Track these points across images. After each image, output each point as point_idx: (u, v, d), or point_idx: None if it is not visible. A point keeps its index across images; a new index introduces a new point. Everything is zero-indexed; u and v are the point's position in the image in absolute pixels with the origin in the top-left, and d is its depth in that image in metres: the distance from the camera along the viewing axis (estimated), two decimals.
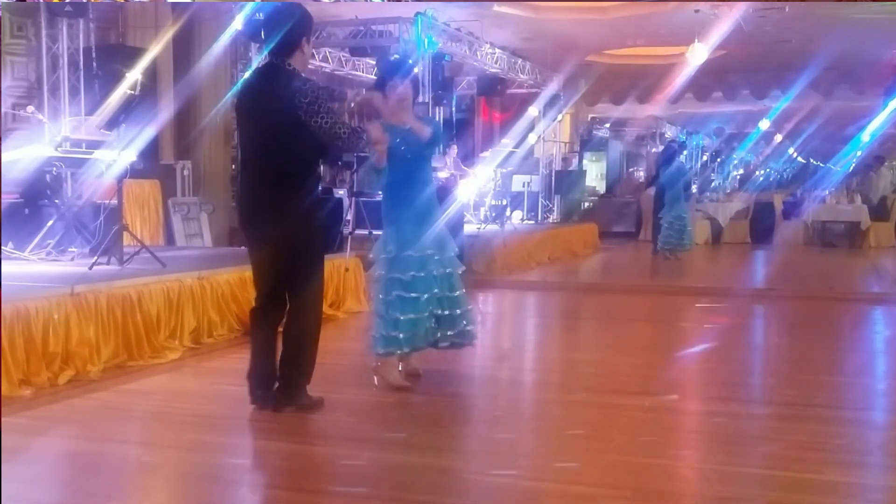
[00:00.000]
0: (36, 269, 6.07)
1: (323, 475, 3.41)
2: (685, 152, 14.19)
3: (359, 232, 9.31)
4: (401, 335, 4.55)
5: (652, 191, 14.29)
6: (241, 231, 4.28)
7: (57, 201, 6.92)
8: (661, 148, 17.60)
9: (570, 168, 17.93)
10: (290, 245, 3.99)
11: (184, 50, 9.88)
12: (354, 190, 9.56)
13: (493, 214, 13.50)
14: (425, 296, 4.58)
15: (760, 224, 16.28)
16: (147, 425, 4.20)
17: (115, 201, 6.63)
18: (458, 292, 4.79)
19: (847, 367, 5.74)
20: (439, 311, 4.66)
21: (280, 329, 4.19)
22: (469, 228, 11.08)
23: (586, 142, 20.35)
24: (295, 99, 3.84)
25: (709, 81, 17.02)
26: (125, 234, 6.42)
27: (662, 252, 12.29)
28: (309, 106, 3.85)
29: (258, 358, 4.19)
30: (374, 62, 12.45)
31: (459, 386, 4.99)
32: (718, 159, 24.51)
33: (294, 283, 4.06)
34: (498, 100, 16.65)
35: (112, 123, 6.80)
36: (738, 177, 26.07)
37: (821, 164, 26.31)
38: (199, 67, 9.63)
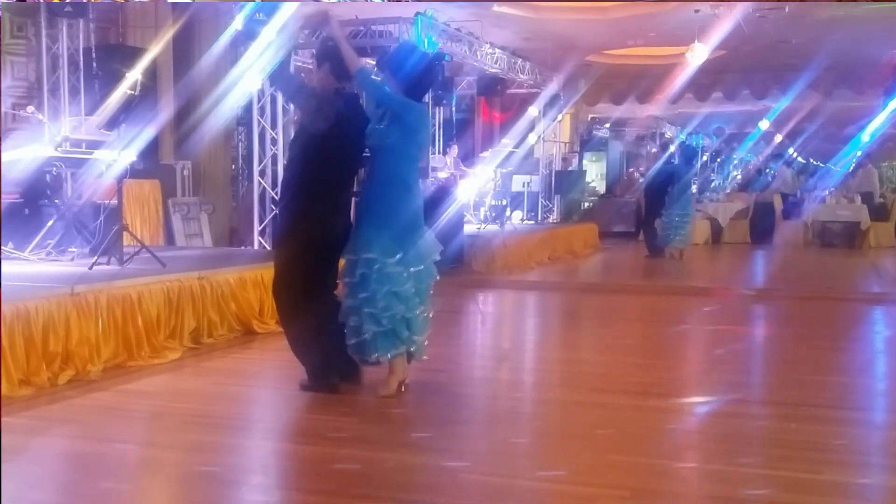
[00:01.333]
0: (36, 269, 6.07)
1: (322, 475, 3.41)
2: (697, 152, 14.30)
3: None
4: None
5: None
6: (333, 241, 4.46)
7: (57, 201, 6.91)
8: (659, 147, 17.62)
9: (570, 168, 17.92)
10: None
11: (184, 50, 9.88)
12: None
13: (493, 214, 13.50)
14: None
15: (760, 224, 16.28)
16: (147, 425, 4.20)
17: (115, 201, 6.62)
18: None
19: (847, 367, 5.74)
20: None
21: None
22: (469, 228, 11.08)
23: (586, 142, 20.35)
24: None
25: (709, 81, 17.02)
26: (125, 234, 6.42)
27: (669, 250, 12.38)
28: None
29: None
30: (373, 62, 12.45)
31: (459, 386, 4.99)
32: (718, 159, 24.50)
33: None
34: (498, 100, 16.63)
35: (112, 123, 6.79)
36: (739, 177, 26.05)
37: (821, 164, 26.31)
38: (199, 67, 9.63)
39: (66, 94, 8.56)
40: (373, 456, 3.61)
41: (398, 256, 4.36)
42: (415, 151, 4.52)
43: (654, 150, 15.37)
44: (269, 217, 9.41)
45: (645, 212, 13.49)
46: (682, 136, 20.04)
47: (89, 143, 7.20)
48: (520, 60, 14.71)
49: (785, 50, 14.52)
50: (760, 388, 5.18)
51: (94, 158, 6.75)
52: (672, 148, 13.53)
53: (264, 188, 9.44)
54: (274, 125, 9.46)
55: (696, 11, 11.93)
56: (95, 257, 6.08)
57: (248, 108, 9.89)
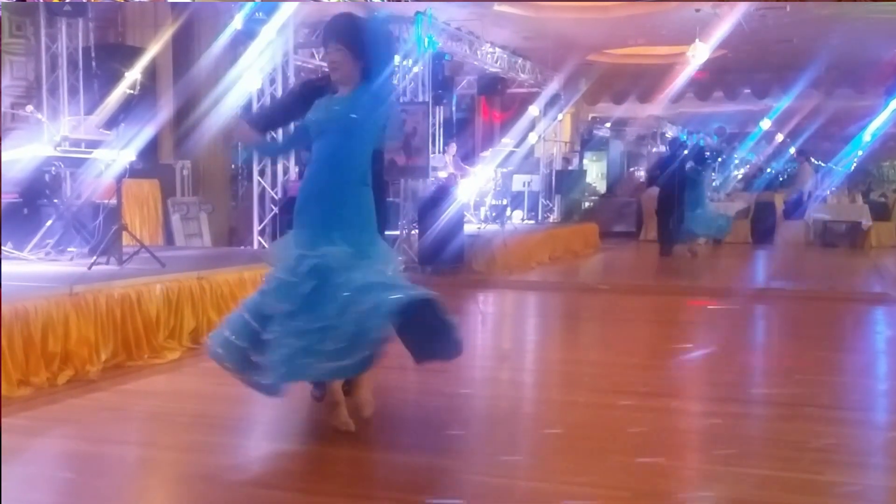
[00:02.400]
0: (35, 268, 6.06)
1: (322, 475, 3.40)
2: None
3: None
4: None
5: (654, 190, 14.35)
6: None
7: (56, 201, 6.91)
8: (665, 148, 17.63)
9: (571, 168, 17.91)
10: None
11: (183, 49, 9.86)
12: None
13: (494, 214, 13.50)
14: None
15: (761, 224, 16.28)
16: (146, 425, 4.19)
17: (114, 201, 6.62)
18: None
19: (847, 367, 5.73)
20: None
21: None
22: (469, 228, 11.08)
23: (587, 141, 20.34)
24: None
25: (710, 81, 17.01)
26: (124, 233, 6.41)
27: (688, 246, 12.52)
28: None
29: None
30: None
31: (459, 386, 4.98)
32: (719, 159, 24.48)
33: None
34: (498, 99, 16.63)
35: (111, 123, 6.80)
36: (741, 176, 26.04)
37: (822, 164, 26.30)
38: (199, 67, 9.62)
39: (65, 94, 8.56)
40: (372, 456, 3.60)
41: None
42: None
43: (657, 149, 15.40)
44: (268, 217, 9.41)
45: (657, 213, 13.48)
46: (683, 136, 20.04)
47: (88, 142, 7.20)
48: (520, 60, 14.73)
49: (786, 49, 14.51)
50: (760, 388, 5.17)
51: (94, 158, 6.74)
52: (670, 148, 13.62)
53: (264, 188, 9.44)
54: None
55: (697, 11, 11.92)
56: (94, 257, 6.07)
57: (247, 108, 9.89)
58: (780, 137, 23.85)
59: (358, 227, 3.79)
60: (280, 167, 9.51)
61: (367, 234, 3.83)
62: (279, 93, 9.46)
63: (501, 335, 7.29)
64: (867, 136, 18.27)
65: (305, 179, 3.91)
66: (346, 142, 3.75)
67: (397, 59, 10.69)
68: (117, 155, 6.52)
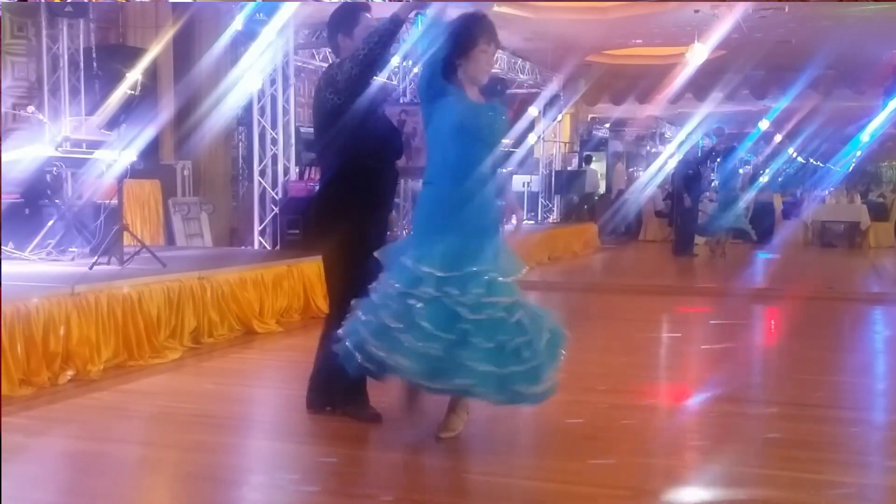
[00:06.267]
0: (36, 268, 6.07)
1: (322, 475, 3.41)
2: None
3: None
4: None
5: (655, 191, 14.39)
6: (358, 229, 3.84)
7: (57, 201, 6.92)
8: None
9: (575, 168, 17.94)
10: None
11: (184, 50, 9.87)
12: None
13: None
14: None
15: (760, 224, 16.27)
16: (147, 425, 4.20)
17: (115, 201, 6.63)
18: None
19: (847, 367, 5.74)
20: None
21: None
22: None
23: (586, 142, 20.36)
24: (333, 77, 3.86)
25: (708, 82, 17.03)
26: (125, 233, 6.42)
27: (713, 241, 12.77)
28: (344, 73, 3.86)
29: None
30: None
31: None
32: (718, 159, 24.47)
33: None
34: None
35: (112, 123, 6.80)
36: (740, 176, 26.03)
37: (820, 165, 26.34)
38: (200, 67, 9.63)
39: (66, 94, 8.57)
40: (372, 456, 3.61)
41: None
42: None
43: (656, 149, 15.39)
44: (269, 217, 9.42)
45: (675, 213, 13.50)
46: (682, 137, 20.05)
47: (90, 143, 7.22)
48: (520, 60, 14.75)
49: (785, 50, 14.53)
50: (760, 388, 5.18)
51: (95, 158, 6.76)
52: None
53: (264, 188, 9.44)
54: (274, 125, 9.46)
55: (696, 12, 11.95)
56: (96, 257, 6.08)
57: (248, 108, 9.90)
58: (778, 138, 23.89)
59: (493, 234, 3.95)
60: (280, 167, 9.52)
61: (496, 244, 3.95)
62: (280, 93, 9.46)
63: None
64: (865, 136, 18.29)
65: (454, 184, 3.81)
66: (492, 150, 3.82)
67: (396, 59, 10.73)
68: (118, 155, 6.52)
